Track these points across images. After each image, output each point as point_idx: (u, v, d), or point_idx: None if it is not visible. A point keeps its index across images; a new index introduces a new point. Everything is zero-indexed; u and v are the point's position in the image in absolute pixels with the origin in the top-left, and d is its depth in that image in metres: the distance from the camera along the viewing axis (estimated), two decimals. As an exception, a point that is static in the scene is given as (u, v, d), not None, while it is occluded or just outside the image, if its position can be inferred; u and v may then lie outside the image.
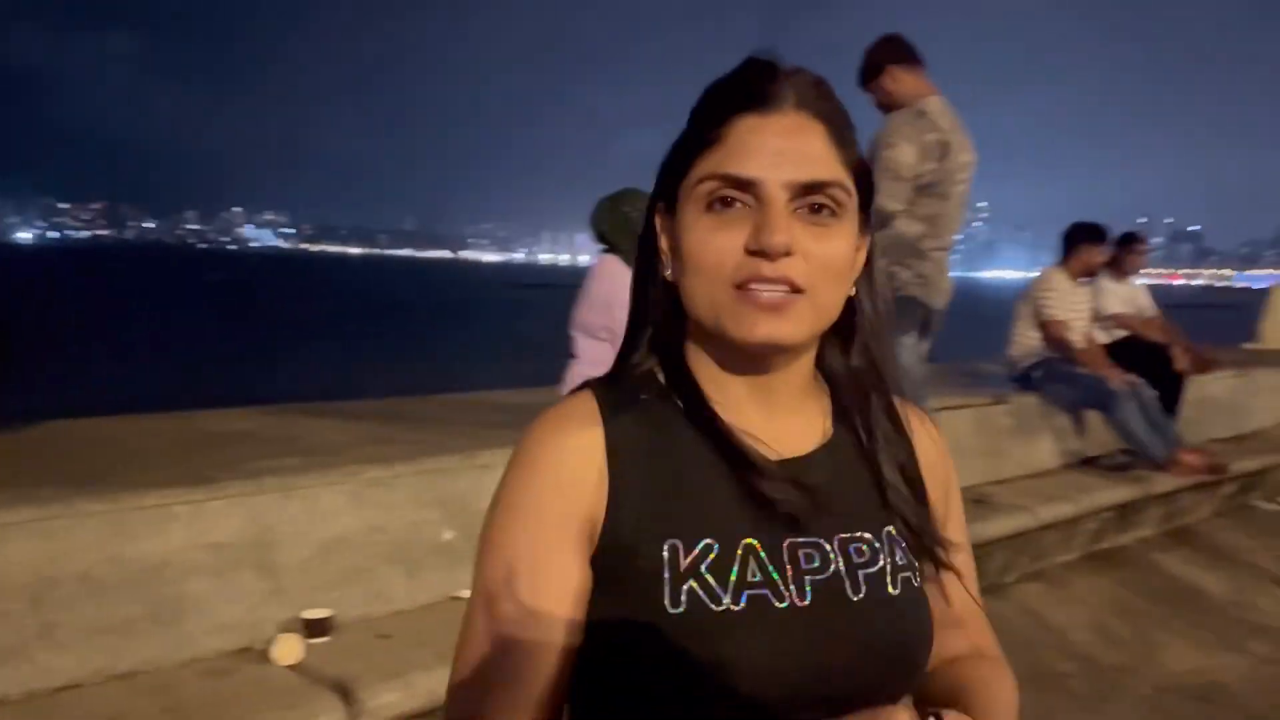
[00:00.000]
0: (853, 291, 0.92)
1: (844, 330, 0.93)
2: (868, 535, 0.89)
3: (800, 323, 0.84)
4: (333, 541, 2.82)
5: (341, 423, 3.83)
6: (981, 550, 4.28)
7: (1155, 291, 7.04)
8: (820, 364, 0.95)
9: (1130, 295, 6.40)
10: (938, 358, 4.65)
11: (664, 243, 0.92)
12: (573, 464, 0.85)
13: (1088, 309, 5.78)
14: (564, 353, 3.45)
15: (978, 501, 4.51)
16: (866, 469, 0.93)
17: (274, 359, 17.98)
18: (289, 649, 2.54)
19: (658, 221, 0.93)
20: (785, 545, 0.84)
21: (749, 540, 0.84)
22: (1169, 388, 5.67)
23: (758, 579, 0.82)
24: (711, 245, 0.84)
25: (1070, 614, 4.24)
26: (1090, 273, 5.85)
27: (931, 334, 3.98)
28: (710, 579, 0.82)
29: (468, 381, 6.48)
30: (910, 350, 3.88)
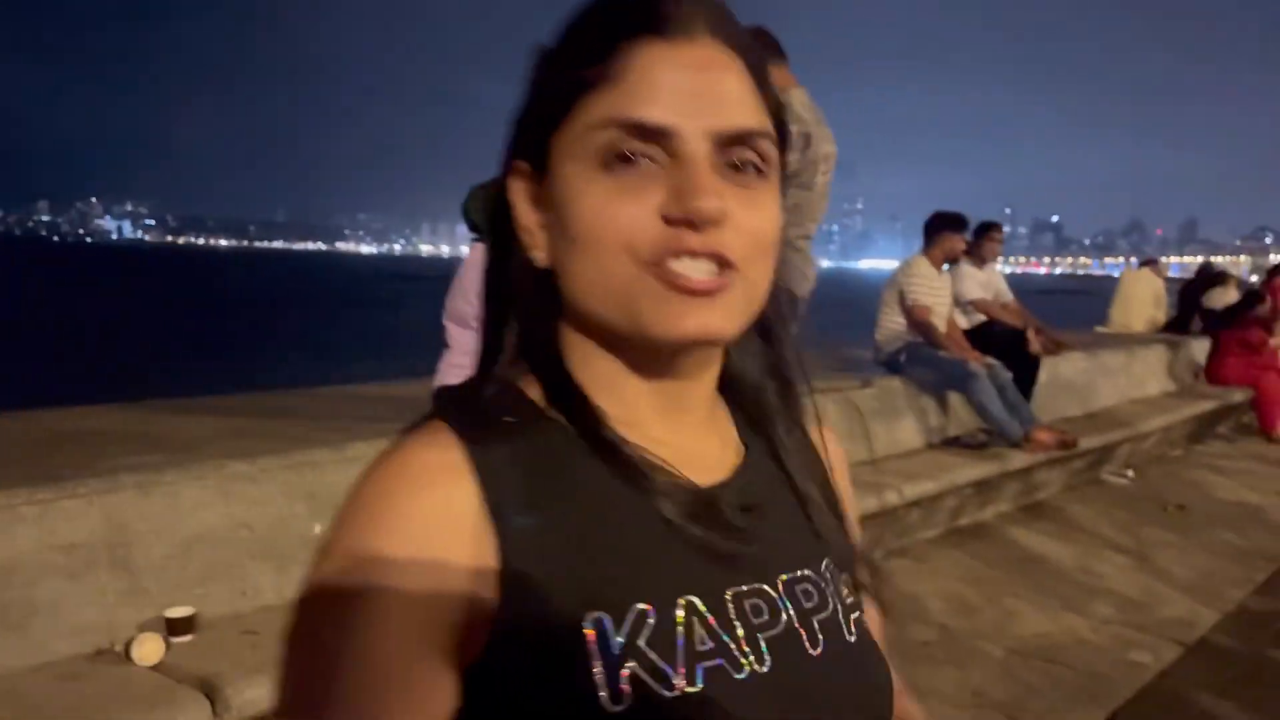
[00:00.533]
0: None
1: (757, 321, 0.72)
2: (809, 572, 0.73)
3: (733, 311, 0.65)
4: (196, 538, 2.75)
5: (203, 418, 3.72)
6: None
7: (1019, 280, 7.45)
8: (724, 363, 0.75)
9: (989, 281, 6.72)
10: (809, 344, 4.80)
11: (529, 216, 0.69)
12: (436, 530, 0.61)
13: (949, 294, 6.05)
14: (439, 344, 3.44)
15: (845, 481, 4.68)
16: (786, 489, 0.76)
17: (130, 357, 17.19)
18: (150, 649, 2.47)
19: (517, 188, 0.69)
20: (729, 597, 0.66)
21: (688, 597, 0.65)
22: (1024, 369, 5.98)
23: (709, 646, 0.64)
24: (615, 213, 0.62)
25: (932, 586, 4.45)
26: (952, 260, 6.12)
27: (797, 321, 4.11)
28: (653, 655, 0.62)
29: (341, 375, 6.36)
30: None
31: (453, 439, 0.64)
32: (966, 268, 6.51)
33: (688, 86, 0.62)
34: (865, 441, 5.13)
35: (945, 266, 6.05)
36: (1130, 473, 6.99)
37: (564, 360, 0.70)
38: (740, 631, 0.66)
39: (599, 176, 0.63)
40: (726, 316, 0.64)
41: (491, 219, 0.73)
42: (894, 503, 4.58)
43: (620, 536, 0.65)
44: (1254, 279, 12.64)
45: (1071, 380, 7.15)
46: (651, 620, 0.63)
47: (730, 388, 0.77)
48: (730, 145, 0.63)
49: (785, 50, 4.01)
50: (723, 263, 0.63)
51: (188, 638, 2.58)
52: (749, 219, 0.64)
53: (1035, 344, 6.12)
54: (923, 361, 5.67)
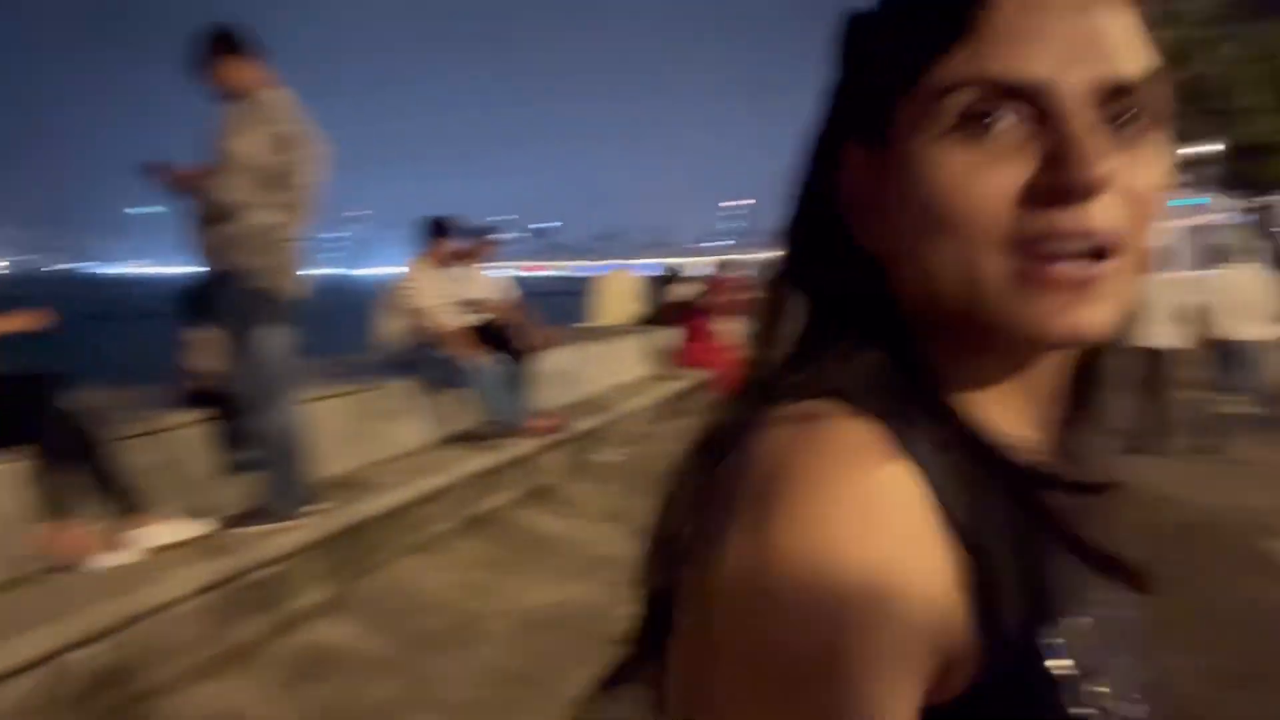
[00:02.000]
0: None
1: None
2: None
3: (1115, 301, 0.54)
4: None
5: None
6: (361, 529, 4.45)
7: (522, 281, 7.86)
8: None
9: (487, 282, 7.05)
10: (313, 350, 4.70)
11: (862, 198, 0.60)
12: (903, 520, 0.49)
13: (450, 295, 6.26)
14: None
15: (355, 485, 4.66)
16: None
17: None
18: None
19: (849, 167, 0.60)
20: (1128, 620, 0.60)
21: (1114, 613, 0.58)
22: (521, 363, 6.39)
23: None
24: (974, 189, 0.52)
25: (449, 577, 4.60)
26: (448, 262, 6.34)
27: (291, 325, 4.02)
28: (1107, 683, 0.55)
29: None
30: (273, 341, 3.88)
31: (873, 423, 0.52)
32: (466, 270, 6.78)
33: (1064, 31, 0.52)
34: (375, 443, 5.15)
35: (446, 268, 6.25)
36: (620, 451, 7.78)
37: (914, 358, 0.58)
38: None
39: (956, 148, 0.53)
40: (1107, 310, 0.53)
41: (804, 193, 0.63)
42: (409, 498, 4.66)
43: (1041, 549, 0.54)
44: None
45: (564, 370, 7.77)
46: (1090, 639, 0.55)
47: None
48: (1115, 98, 0.53)
49: (258, 48, 3.88)
50: (1106, 246, 0.52)
51: None
52: (1139, 180, 0.53)
53: (530, 339, 6.56)
54: (427, 361, 5.82)
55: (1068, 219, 0.51)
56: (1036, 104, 0.51)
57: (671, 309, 11.53)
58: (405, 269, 6.27)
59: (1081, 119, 0.51)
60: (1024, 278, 0.52)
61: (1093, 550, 0.54)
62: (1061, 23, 0.51)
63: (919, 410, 0.54)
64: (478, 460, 5.47)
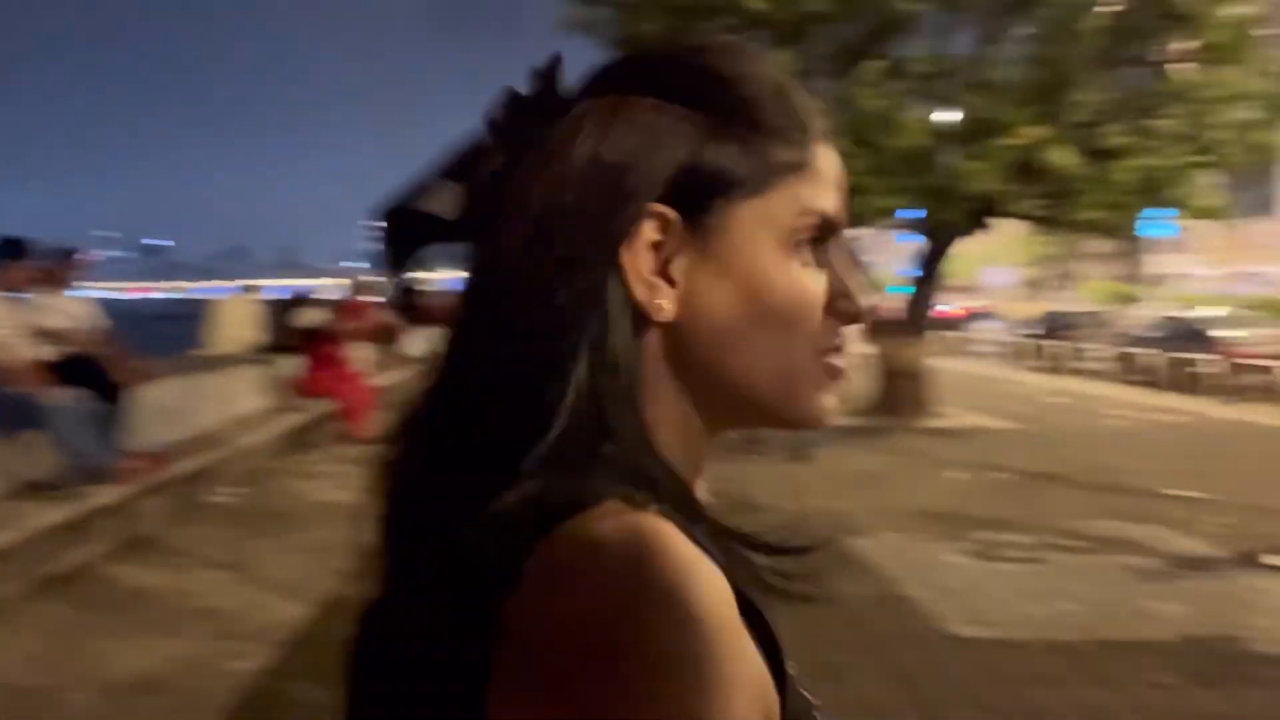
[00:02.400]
0: None
1: None
2: None
3: None
4: None
5: None
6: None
7: (130, 305, 7.08)
8: None
9: (71, 309, 6.26)
10: None
11: (661, 266, 0.60)
12: (735, 617, 0.52)
13: (24, 325, 5.48)
14: None
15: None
16: None
17: None
18: None
19: (655, 230, 0.59)
20: None
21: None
22: (113, 399, 5.73)
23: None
24: (807, 295, 0.62)
25: (14, 648, 3.99)
26: (22, 286, 5.56)
27: None
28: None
29: None
30: None
31: (659, 515, 0.53)
32: (44, 297, 5.97)
33: (841, 190, 0.65)
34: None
35: (17, 295, 5.48)
36: (236, 489, 7.23)
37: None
38: None
39: (788, 257, 0.61)
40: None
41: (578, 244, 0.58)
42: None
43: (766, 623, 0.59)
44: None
45: (169, 405, 7.09)
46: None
47: None
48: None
49: None
50: None
51: None
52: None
53: (123, 372, 5.90)
54: (-8, 400, 5.05)
55: (849, 333, 0.65)
56: (833, 240, 0.64)
57: (297, 335, 10.94)
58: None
59: (852, 258, 0.65)
60: (824, 373, 0.63)
61: (788, 590, 0.63)
62: (839, 183, 0.65)
63: (684, 502, 0.57)
64: (56, 511, 4.81)
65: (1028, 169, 10.38)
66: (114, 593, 4.80)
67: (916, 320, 12.22)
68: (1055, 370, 18.86)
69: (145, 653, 3.99)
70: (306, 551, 5.65)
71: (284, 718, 3.41)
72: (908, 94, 10.97)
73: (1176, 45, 10.79)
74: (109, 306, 7.78)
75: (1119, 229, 11.38)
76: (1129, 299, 48.86)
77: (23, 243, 5.52)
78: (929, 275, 12.42)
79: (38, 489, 5.08)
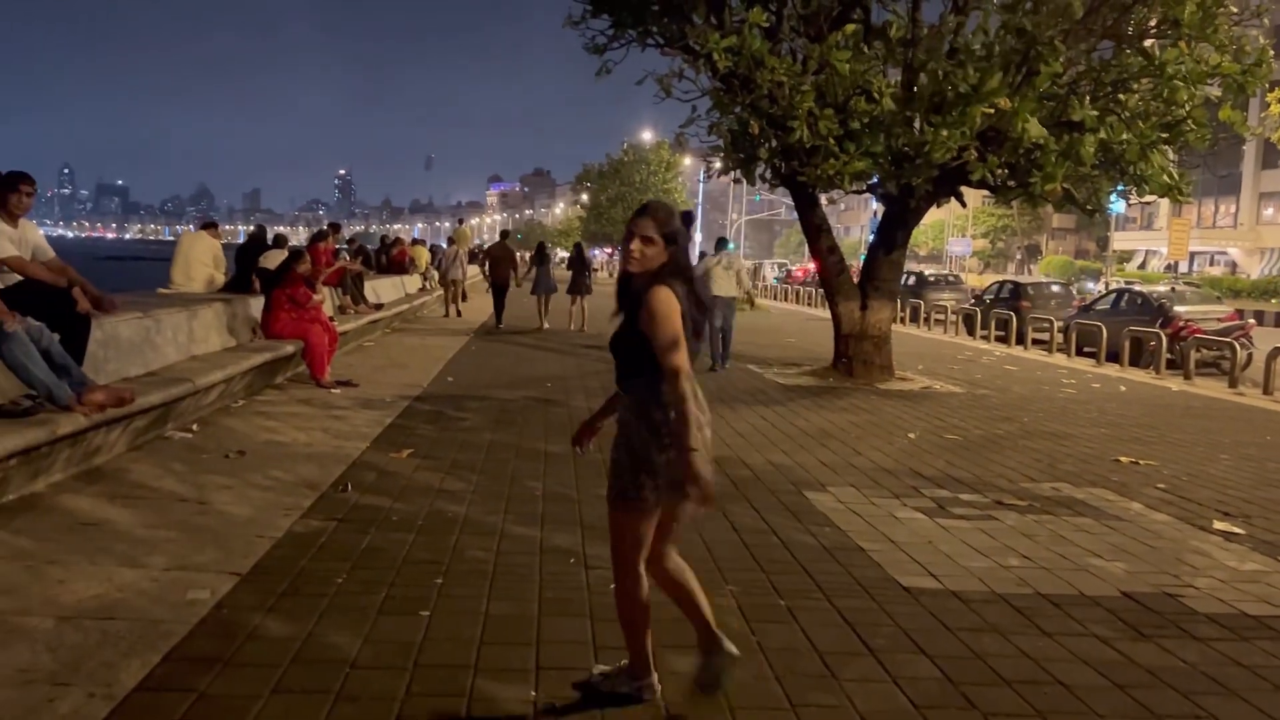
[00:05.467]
0: None
1: None
2: None
3: None
4: None
5: None
6: None
7: (85, 245, 6.98)
8: None
9: (23, 237, 6.13)
10: None
11: None
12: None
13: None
14: None
15: None
16: None
17: None
18: None
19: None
20: None
21: None
22: (72, 329, 5.66)
23: None
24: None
25: (-30, 572, 3.96)
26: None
27: None
28: None
29: None
30: None
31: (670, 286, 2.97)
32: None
33: None
34: None
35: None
36: (195, 427, 7.17)
37: None
38: None
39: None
40: None
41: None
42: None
43: None
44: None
45: (132, 339, 7.01)
46: None
47: None
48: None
49: None
50: None
51: None
52: None
53: (83, 302, 5.82)
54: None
55: None
56: None
57: (262, 276, 10.82)
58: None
59: None
60: None
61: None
62: None
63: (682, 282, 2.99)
64: (12, 438, 4.76)
65: (992, 138, 10.46)
66: (68, 521, 4.77)
67: (881, 285, 12.32)
68: (1010, 339, 19.12)
69: (100, 581, 3.98)
70: (264, 488, 5.65)
71: (238, 648, 3.42)
72: (880, 59, 10.96)
73: (1148, 19, 10.88)
74: (59, 245, 7.62)
75: (1082, 202, 11.49)
76: (1088, 273, 49.68)
77: None
78: (895, 241, 12.50)
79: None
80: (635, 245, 2.88)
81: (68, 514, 4.89)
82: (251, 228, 16.96)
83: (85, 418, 5.32)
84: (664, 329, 2.79)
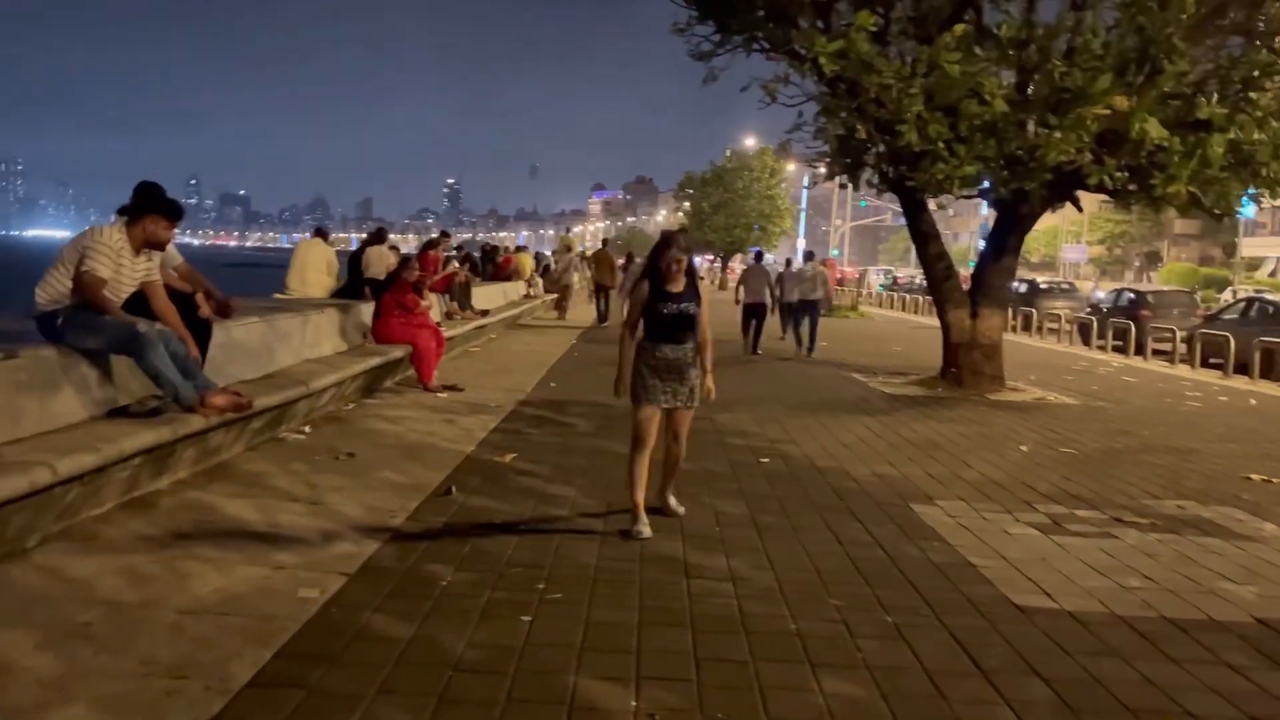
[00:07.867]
0: None
1: None
2: None
3: None
4: None
5: None
6: (-8, 516, 3.92)
7: (209, 252, 7.25)
8: None
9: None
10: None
11: None
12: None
13: (132, 263, 5.60)
14: None
15: (-13, 465, 4.09)
16: None
17: None
18: None
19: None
20: None
21: None
22: (196, 333, 5.89)
23: None
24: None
25: (102, 565, 4.16)
26: (153, 245, 5.65)
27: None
28: None
29: None
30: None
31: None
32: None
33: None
34: (10, 418, 4.55)
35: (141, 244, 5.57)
36: (307, 428, 7.40)
37: None
38: None
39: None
40: None
41: None
42: (46, 481, 4.15)
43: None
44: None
45: (249, 344, 7.27)
46: None
47: None
48: None
49: None
50: None
51: None
52: None
53: (205, 308, 6.06)
54: (84, 326, 5.21)
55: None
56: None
57: (371, 283, 11.13)
58: (92, 228, 5.51)
59: None
60: None
61: None
62: None
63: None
64: (140, 437, 4.97)
65: (1111, 140, 10.04)
66: (195, 517, 4.97)
67: (992, 293, 11.96)
68: (1129, 350, 18.33)
69: (222, 576, 4.13)
70: (375, 489, 5.78)
71: (345, 646, 3.50)
72: (992, 60, 10.65)
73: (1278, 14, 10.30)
74: (186, 253, 7.95)
75: (1209, 207, 10.92)
76: (1216, 282, 47.35)
77: (180, 207, 5.67)
78: (1006, 247, 12.13)
79: (126, 414, 5.25)
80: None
81: (194, 509, 5.10)
82: (364, 235, 17.47)
83: (206, 419, 5.53)
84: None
